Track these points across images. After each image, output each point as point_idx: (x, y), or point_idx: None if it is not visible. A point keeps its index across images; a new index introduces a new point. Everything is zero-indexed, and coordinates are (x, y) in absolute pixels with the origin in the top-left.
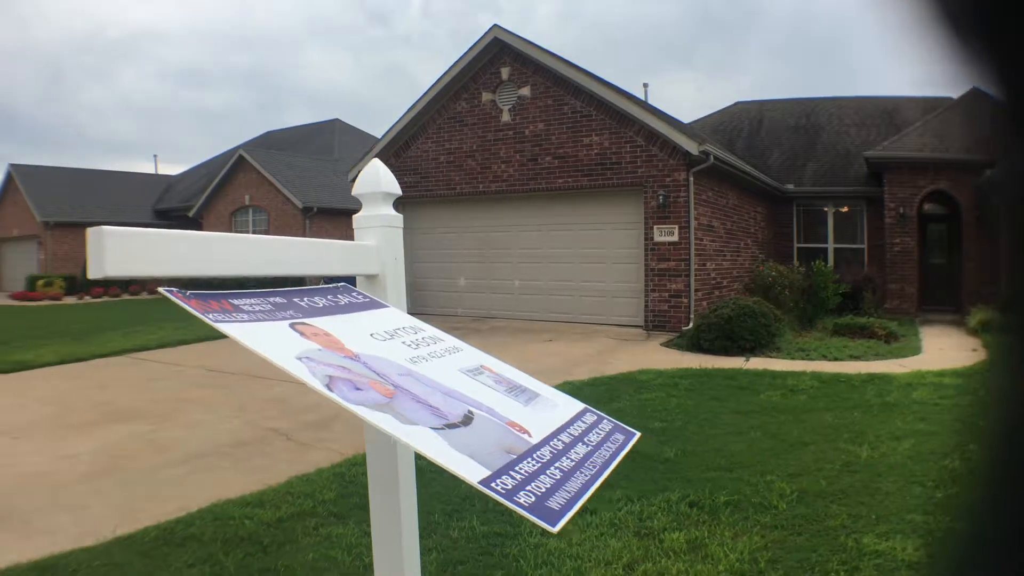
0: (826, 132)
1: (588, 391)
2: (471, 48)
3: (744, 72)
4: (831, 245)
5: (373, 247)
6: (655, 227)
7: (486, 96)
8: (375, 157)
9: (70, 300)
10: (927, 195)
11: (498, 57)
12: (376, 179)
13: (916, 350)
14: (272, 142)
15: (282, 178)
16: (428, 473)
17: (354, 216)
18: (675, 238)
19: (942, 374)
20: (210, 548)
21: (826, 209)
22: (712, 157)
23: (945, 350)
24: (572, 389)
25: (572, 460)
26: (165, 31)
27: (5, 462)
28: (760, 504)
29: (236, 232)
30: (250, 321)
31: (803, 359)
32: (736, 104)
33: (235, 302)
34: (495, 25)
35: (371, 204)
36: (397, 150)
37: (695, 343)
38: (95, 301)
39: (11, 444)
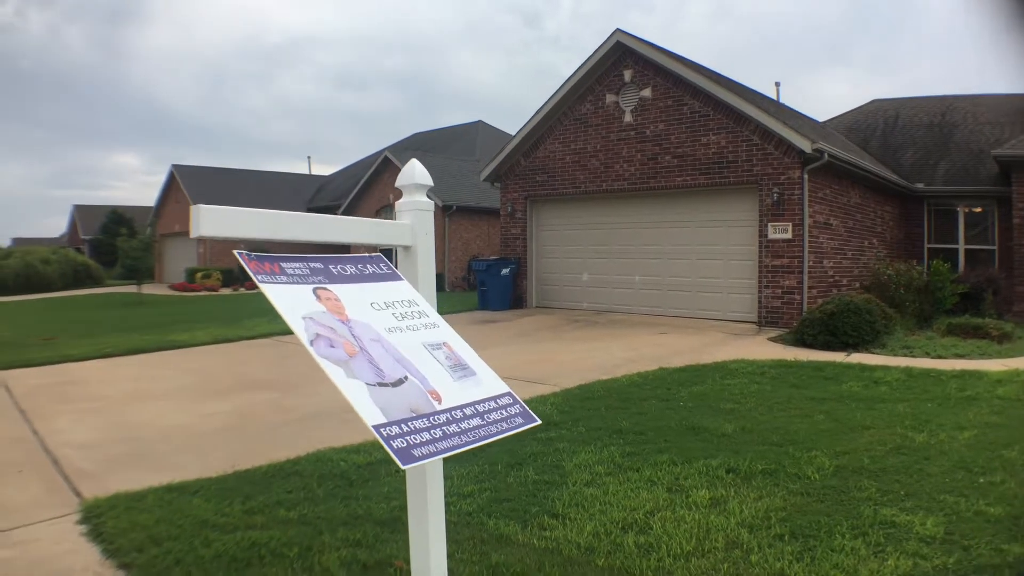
0: (960, 130)
1: (677, 376)
2: (595, 52)
3: (903, 69)
4: (961, 246)
5: (408, 225)
6: (769, 224)
7: (609, 98)
8: (505, 157)
9: (226, 291)
10: None
11: (621, 60)
12: (412, 174)
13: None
14: (419, 143)
15: None
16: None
17: (396, 201)
18: (789, 235)
19: None
20: (307, 481)
21: (957, 209)
22: (826, 155)
23: None
24: (663, 374)
25: (460, 428)
26: (324, 36)
27: (153, 418)
28: (795, 474)
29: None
30: (287, 283)
31: (904, 356)
32: (873, 102)
33: (283, 265)
34: (618, 29)
35: (408, 193)
36: (527, 151)
37: (800, 338)
38: (248, 293)
39: (160, 404)
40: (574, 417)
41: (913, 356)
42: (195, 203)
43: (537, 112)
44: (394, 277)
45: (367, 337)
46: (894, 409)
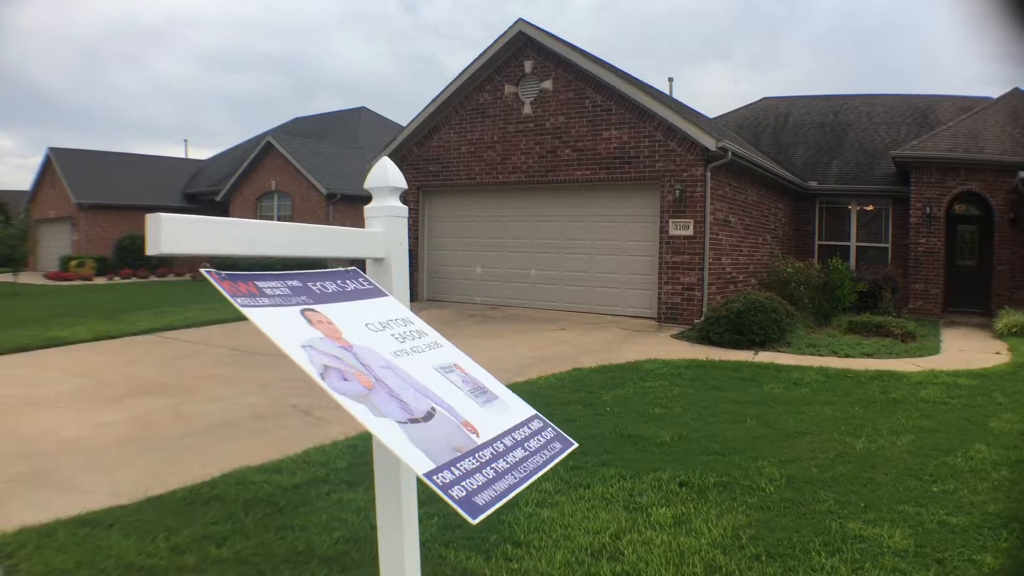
0: (853, 130)
1: (595, 378)
2: (496, 41)
3: (784, 66)
4: (853, 243)
5: (380, 234)
6: (670, 221)
7: (509, 88)
8: (398, 145)
9: (101, 281)
10: (957, 196)
11: (522, 50)
12: (384, 175)
13: (934, 350)
14: (300, 129)
15: (307, 164)
16: None
17: (365, 207)
18: (690, 232)
19: (956, 375)
20: (231, 508)
21: (850, 207)
22: (730, 153)
23: (966, 352)
24: (580, 376)
25: (508, 463)
26: (199, 16)
27: (48, 428)
28: (748, 487)
29: (261, 217)
30: (270, 306)
31: (812, 355)
32: (763, 100)
33: (260, 284)
34: (520, 19)
35: (380, 197)
36: (420, 139)
37: (705, 336)
38: (124, 282)
39: (52, 412)
40: None
41: (821, 355)
42: (72, 187)
43: (433, 100)
44: (378, 293)
45: (376, 365)
46: (822, 413)
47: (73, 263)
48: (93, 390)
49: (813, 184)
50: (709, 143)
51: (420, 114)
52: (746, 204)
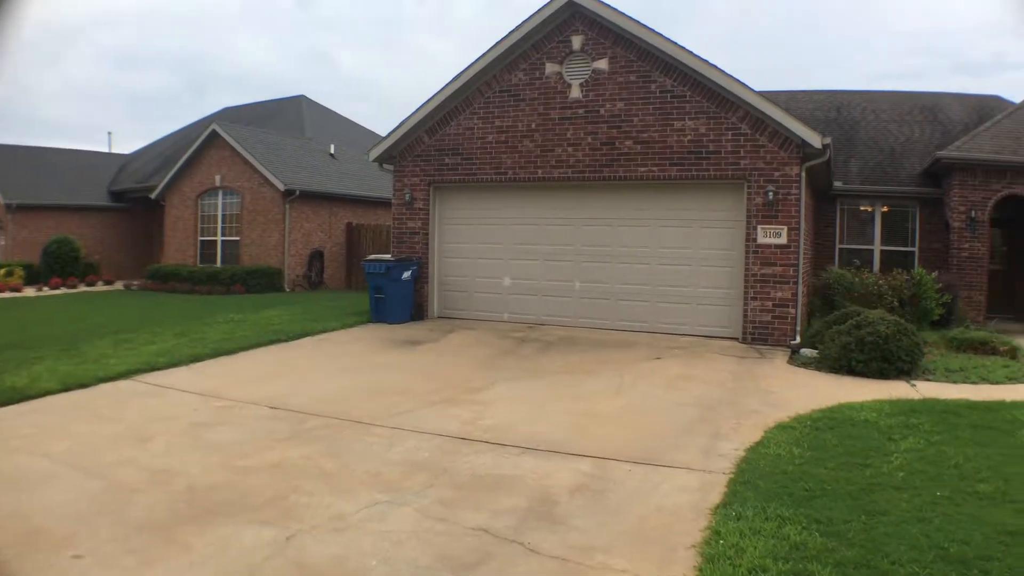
0: (862, 128)
1: (828, 440)
2: (535, 13)
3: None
4: (877, 247)
5: None
6: (759, 227)
7: (551, 68)
8: (404, 133)
9: (30, 292)
10: (1001, 199)
11: (568, 23)
12: None
13: None
14: (232, 118)
15: (260, 156)
16: None
17: None
18: (783, 240)
19: None
20: None
21: (872, 209)
22: (829, 152)
23: None
24: (800, 437)
25: None
26: (105, 13)
27: None
28: None
29: (203, 217)
30: None
31: (966, 382)
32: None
33: None
34: None
35: None
36: (433, 126)
37: (842, 364)
38: (55, 293)
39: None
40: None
41: (972, 383)
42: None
43: (454, 79)
44: None
45: None
46: None
47: (1, 272)
48: (112, 506)
49: (839, 184)
50: (813, 139)
51: (434, 96)
52: (808, 207)
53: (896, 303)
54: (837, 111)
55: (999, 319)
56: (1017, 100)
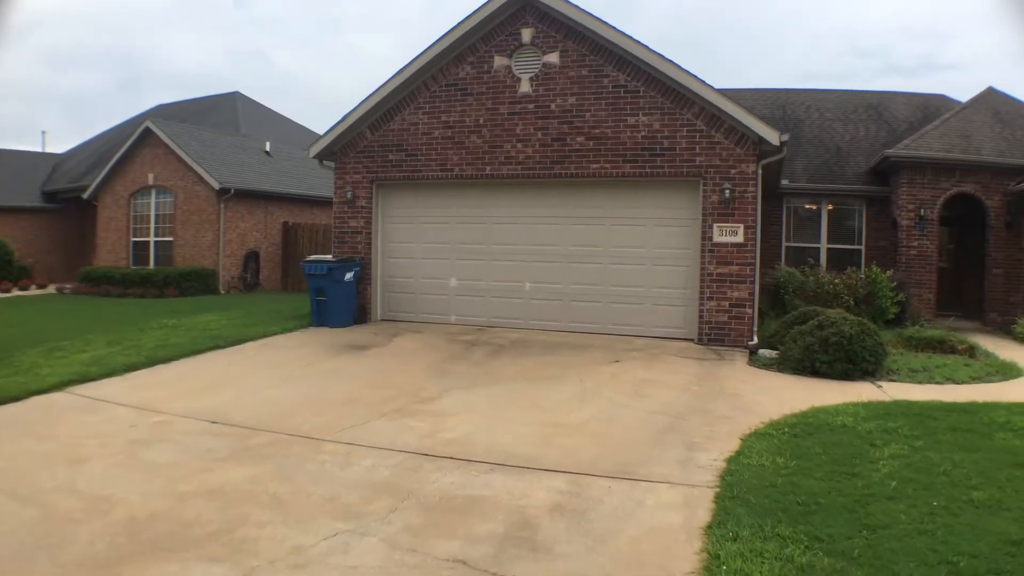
0: (807, 126)
1: (808, 447)
2: (485, 4)
3: None
4: (824, 245)
5: None
6: (715, 225)
7: (499, 61)
8: (346, 128)
9: None
10: (950, 197)
11: (518, 15)
12: None
13: (1012, 368)
14: (167, 116)
15: (194, 154)
16: None
17: None
18: (739, 239)
19: None
20: None
21: (818, 207)
22: (786, 148)
23: None
24: (757, 470)
25: None
26: (39, 12)
27: None
28: None
29: (135, 217)
30: None
31: (932, 383)
32: None
33: None
34: None
35: None
36: (376, 122)
37: (806, 365)
38: None
39: None
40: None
41: (938, 383)
42: None
43: (399, 72)
44: None
45: None
46: None
47: None
48: (58, 545)
49: (785, 182)
50: (770, 136)
51: (378, 90)
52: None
53: (852, 302)
54: (782, 109)
55: (955, 317)
56: (961, 99)
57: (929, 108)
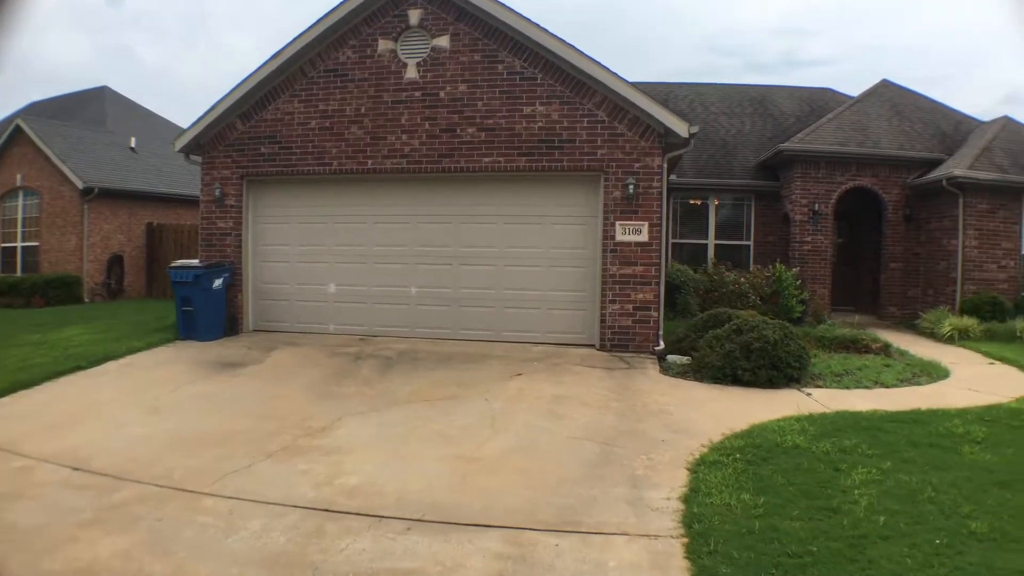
0: (692, 120)
1: (763, 503)
2: None
3: None
4: (712, 241)
5: None
6: (618, 223)
7: (384, 45)
8: (215, 119)
9: None
10: (845, 192)
11: None
12: None
13: (936, 368)
14: (42, 113)
15: (60, 151)
16: None
17: None
18: (644, 237)
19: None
20: None
21: (704, 202)
22: (694, 141)
23: (959, 364)
24: (723, 512)
25: None
26: None
27: None
28: None
29: (4, 221)
30: None
31: (859, 387)
32: None
33: None
34: None
35: None
36: (248, 111)
37: (726, 373)
38: None
39: None
40: None
41: (867, 387)
42: None
43: (274, 56)
44: None
45: None
46: None
47: None
48: None
49: (673, 177)
50: (679, 127)
51: (251, 76)
52: None
53: (758, 301)
54: (664, 103)
55: (850, 312)
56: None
57: (816, 101)
